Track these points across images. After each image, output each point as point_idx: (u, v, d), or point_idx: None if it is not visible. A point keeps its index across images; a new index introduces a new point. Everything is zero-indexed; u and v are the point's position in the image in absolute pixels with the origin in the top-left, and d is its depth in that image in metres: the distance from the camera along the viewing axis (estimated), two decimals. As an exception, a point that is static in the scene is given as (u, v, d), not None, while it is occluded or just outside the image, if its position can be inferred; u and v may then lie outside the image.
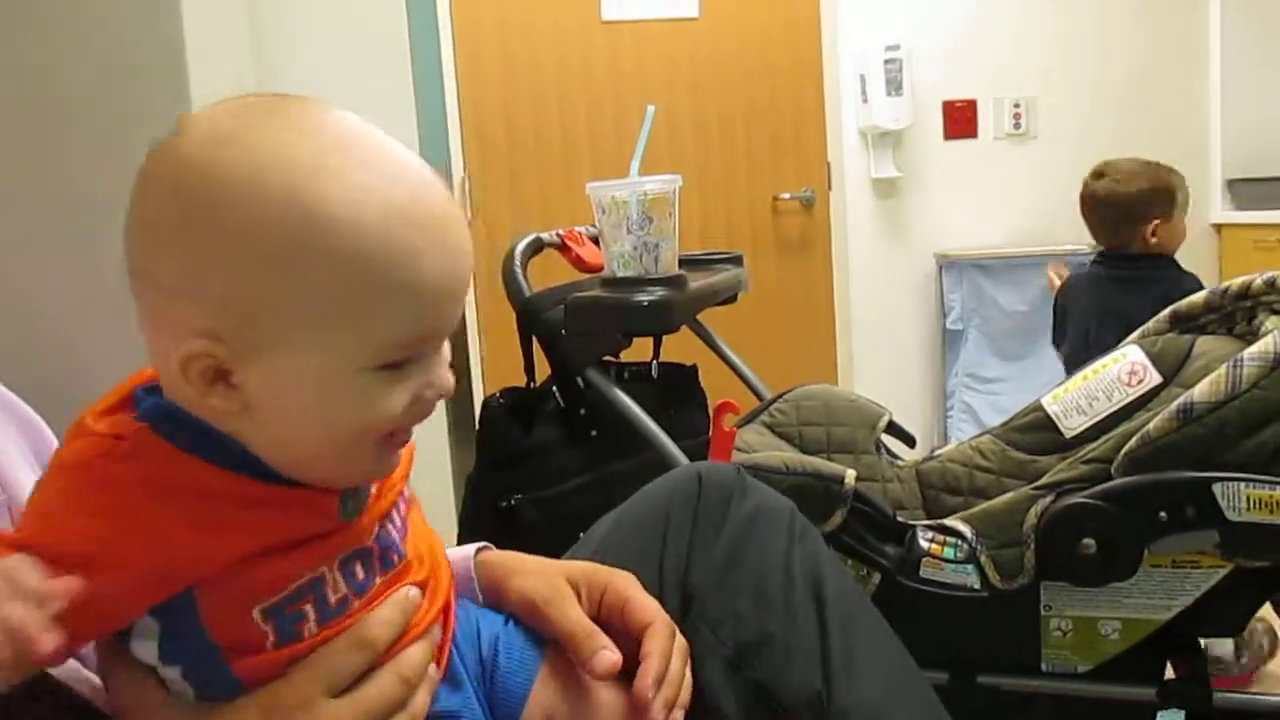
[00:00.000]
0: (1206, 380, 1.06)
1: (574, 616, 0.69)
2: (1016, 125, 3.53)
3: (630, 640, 0.69)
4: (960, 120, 3.52)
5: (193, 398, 0.53)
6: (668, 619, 0.71)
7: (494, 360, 3.22)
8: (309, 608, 0.56)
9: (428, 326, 0.55)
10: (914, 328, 3.57)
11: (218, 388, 0.53)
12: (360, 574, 0.59)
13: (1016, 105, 3.52)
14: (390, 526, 0.62)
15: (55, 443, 0.71)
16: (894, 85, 3.36)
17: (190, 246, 0.52)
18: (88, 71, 1.34)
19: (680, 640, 0.72)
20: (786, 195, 3.45)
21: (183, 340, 0.52)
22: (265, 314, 0.52)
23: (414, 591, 0.61)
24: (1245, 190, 3.50)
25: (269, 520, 0.55)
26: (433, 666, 0.63)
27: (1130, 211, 2.22)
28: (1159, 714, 1.17)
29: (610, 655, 0.67)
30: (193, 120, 0.54)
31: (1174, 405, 1.06)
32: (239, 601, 0.54)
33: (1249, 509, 1.03)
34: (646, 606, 0.71)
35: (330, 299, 0.52)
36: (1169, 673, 1.17)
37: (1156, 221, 2.20)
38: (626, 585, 0.72)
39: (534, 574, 0.73)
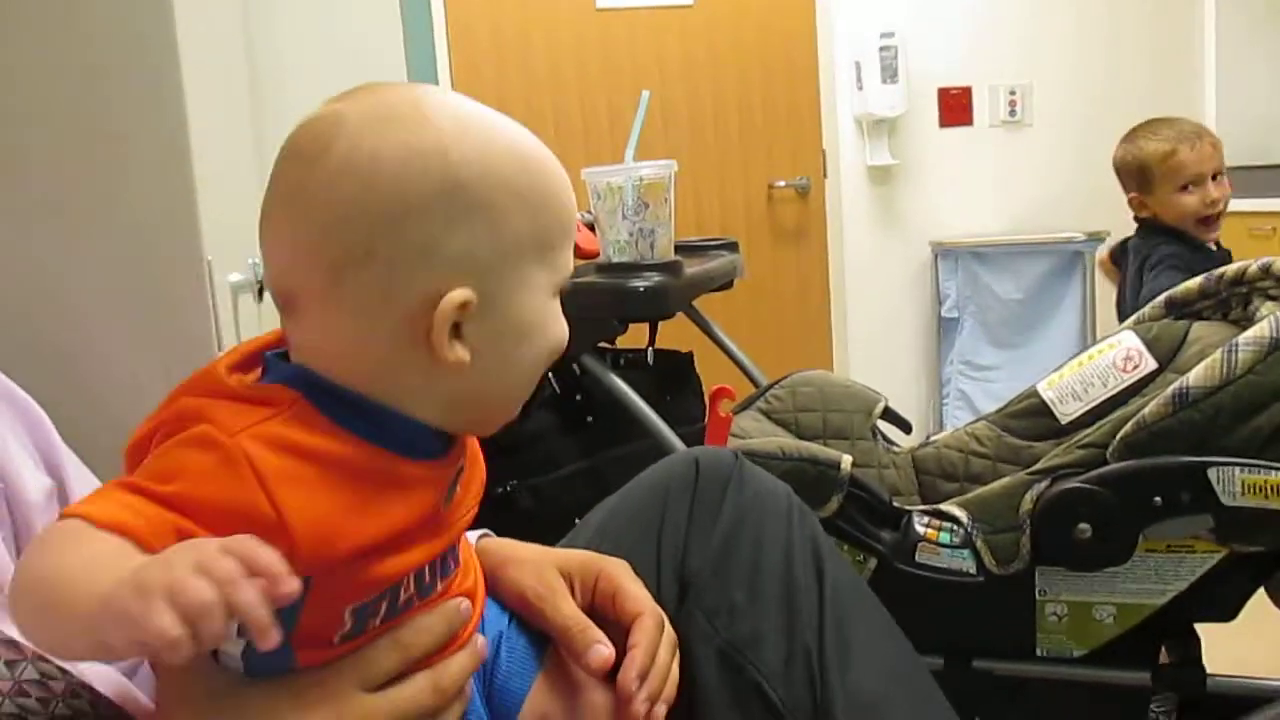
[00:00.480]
0: (1202, 365, 1.06)
1: (567, 611, 0.69)
2: (1012, 113, 3.53)
3: (620, 631, 0.69)
4: (955, 108, 3.51)
5: (425, 361, 0.55)
6: (657, 610, 0.71)
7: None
8: (384, 605, 0.57)
9: (570, 259, 0.62)
10: (909, 315, 3.58)
11: (456, 344, 0.56)
12: (427, 578, 0.60)
13: (1012, 93, 3.51)
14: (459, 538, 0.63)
15: (54, 431, 0.71)
16: (889, 73, 3.35)
17: (429, 215, 0.55)
18: (77, 71, 1.34)
19: (669, 632, 0.71)
20: (782, 183, 3.45)
21: (426, 304, 0.55)
22: (498, 261, 0.57)
23: (465, 604, 0.62)
24: (1240, 178, 3.50)
25: (404, 501, 0.56)
26: (469, 684, 0.63)
27: (1119, 181, 2.22)
28: None
29: (604, 650, 0.67)
30: (362, 98, 0.57)
31: (1169, 390, 1.06)
32: (341, 597, 0.55)
33: (1244, 494, 1.03)
34: (637, 597, 0.71)
35: (541, 237, 0.59)
36: (1163, 657, 1.18)
37: (1133, 194, 2.18)
38: (619, 574, 0.72)
39: (527, 565, 0.72)
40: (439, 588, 0.61)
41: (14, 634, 0.56)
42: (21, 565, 0.50)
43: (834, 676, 0.74)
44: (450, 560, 0.62)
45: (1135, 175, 2.16)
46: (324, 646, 0.56)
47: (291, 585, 0.44)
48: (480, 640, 0.64)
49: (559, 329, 0.61)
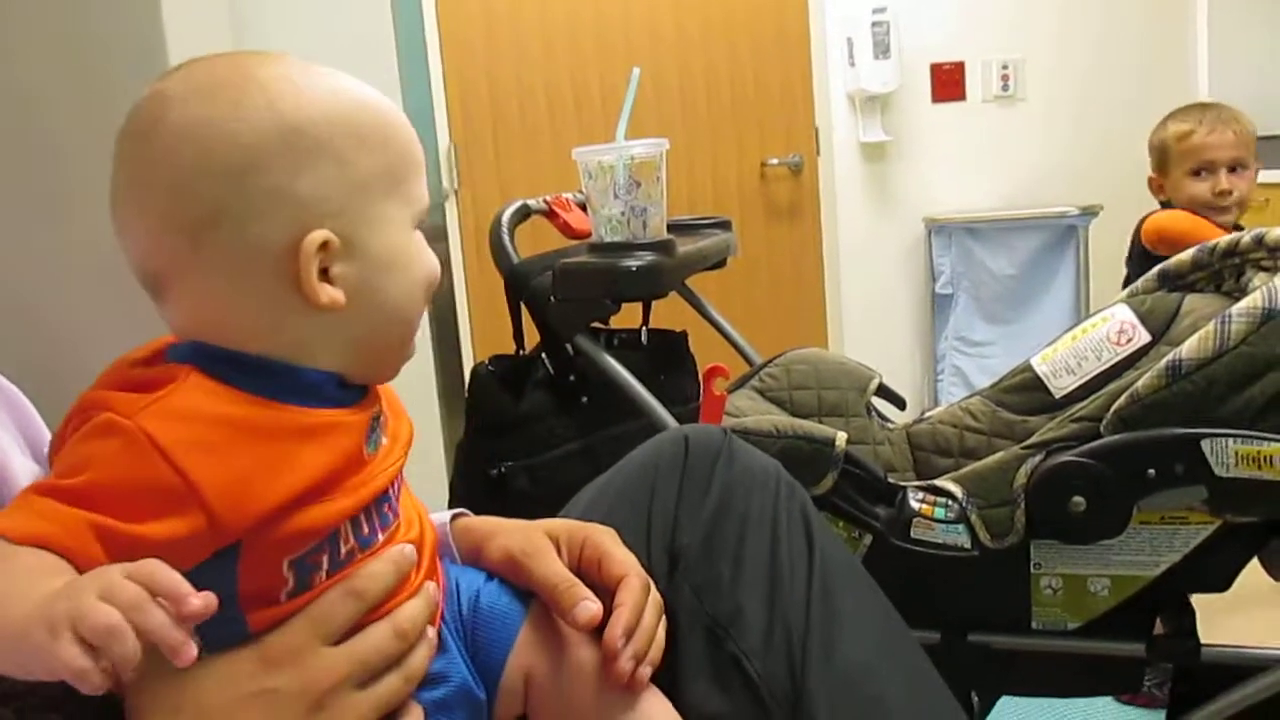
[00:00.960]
0: (1195, 337, 1.06)
1: (555, 568, 0.70)
2: (1005, 87, 3.51)
3: (607, 595, 0.69)
4: (948, 83, 3.50)
5: (299, 306, 0.57)
6: (643, 573, 0.71)
7: (482, 328, 3.21)
8: (324, 558, 0.58)
9: (425, 192, 0.65)
10: (903, 292, 3.58)
11: (326, 286, 0.58)
12: (365, 529, 0.60)
13: (1005, 67, 3.50)
14: (391, 488, 0.63)
15: (42, 424, 0.71)
16: (881, 48, 3.33)
17: (272, 164, 0.56)
18: (71, 69, 1.33)
19: (655, 595, 0.72)
20: (774, 161, 3.44)
21: (288, 251, 0.56)
22: (351, 200, 0.59)
23: (409, 548, 0.62)
24: (1233, 150, 3.50)
25: (320, 450, 0.57)
26: (430, 629, 0.63)
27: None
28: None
29: (591, 606, 0.67)
30: (185, 74, 0.59)
31: (1162, 363, 1.06)
32: (275, 552, 0.56)
33: (1237, 465, 1.03)
34: (623, 560, 0.71)
35: (389, 172, 0.61)
36: (1158, 629, 1.18)
37: (1152, 175, 2.17)
38: (605, 539, 0.73)
39: (514, 531, 0.73)
40: (379, 539, 0.62)
41: None
42: None
43: (818, 651, 0.74)
44: (388, 512, 0.63)
45: (1156, 155, 2.14)
46: (272, 604, 0.57)
47: (193, 605, 0.46)
48: (431, 586, 0.64)
49: (427, 260, 0.64)
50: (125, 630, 0.44)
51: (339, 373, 0.60)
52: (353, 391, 0.62)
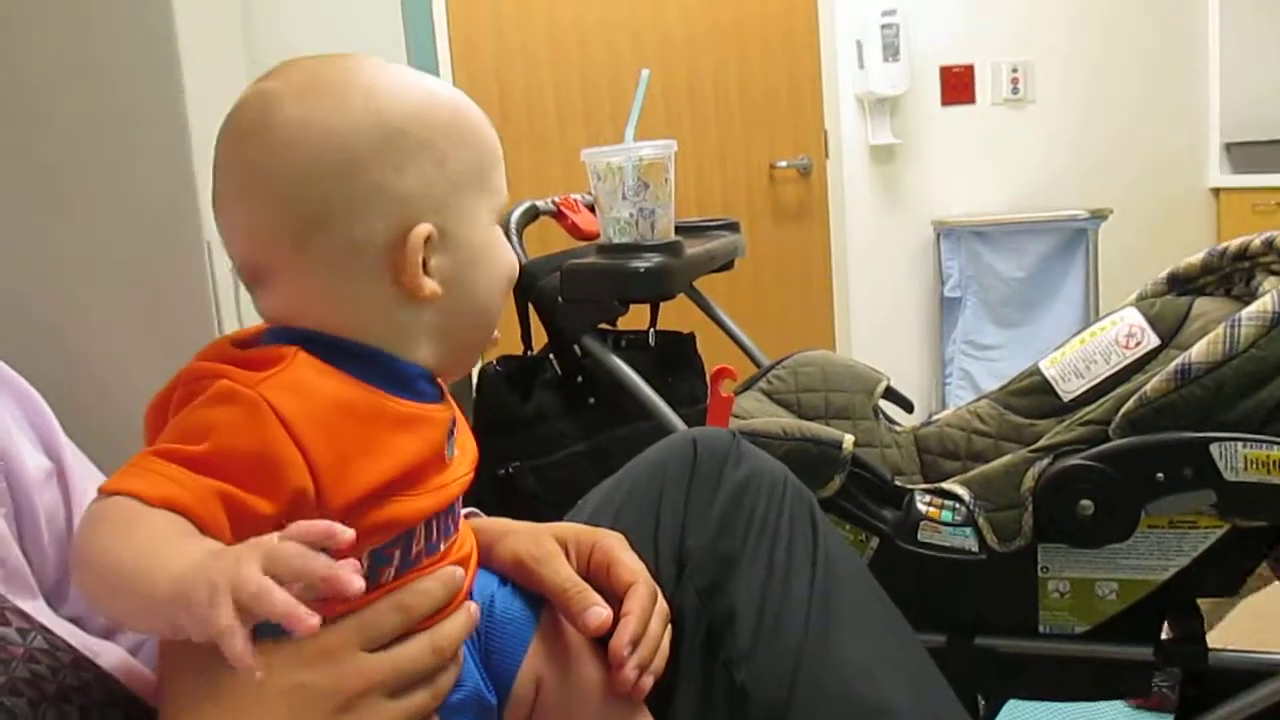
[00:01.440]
0: (1204, 341, 1.05)
1: (564, 573, 0.70)
2: (1014, 90, 3.51)
3: (616, 601, 0.70)
4: (958, 86, 3.50)
5: (402, 296, 0.60)
6: (651, 581, 0.72)
7: (491, 331, 3.22)
8: (397, 553, 0.60)
9: (505, 186, 0.67)
10: (912, 295, 3.57)
11: (426, 279, 0.60)
12: (435, 535, 0.62)
13: (1014, 70, 3.49)
14: (459, 498, 0.66)
15: (50, 413, 0.72)
16: (891, 51, 3.33)
17: (375, 162, 0.59)
18: (80, 65, 1.34)
19: (662, 604, 0.72)
20: (783, 163, 3.44)
21: (393, 245, 0.59)
22: (449, 195, 0.61)
23: (460, 572, 0.64)
24: (1243, 154, 3.49)
25: (413, 439, 0.59)
26: (462, 648, 0.64)
27: None
28: None
29: (601, 611, 0.68)
30: (287, 74, 0.61)
31: (1171, 366, 1.06)
32: (363, 539, 0.56)
33: (1246, 469, 1.03)
34: (632, 566, 0.71)
35: (478, 167, 0.63)
36: (1166, 633, 1.18)
37: None
38: (614, 545, 0.73)
39: (523, 534, 0.74)
40: (443, 548, 0.63)
41: (23, 605, 0.58)
42: (84, 545, 0.52)
43: (816, 654, 0.74)
44: (450, 521, 0.65)
45: None
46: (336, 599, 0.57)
47: (347, 533, 0.48)
48: (472, 606, 0.65)
49: (508, 252, 0.67)
50: (277, 594, 0.46)
51: (430, 367, 0.63)
52: (436, 389, 0.64)
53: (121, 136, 1.38)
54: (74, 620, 0.64)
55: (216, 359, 0.58)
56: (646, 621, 0.69)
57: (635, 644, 0.67)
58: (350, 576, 0.47)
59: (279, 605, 0.45)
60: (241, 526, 0.51)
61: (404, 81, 0.62)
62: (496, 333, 0.68)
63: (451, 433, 0.64)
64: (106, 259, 1.40)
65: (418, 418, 0.60)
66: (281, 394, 0.54)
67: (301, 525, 0.49)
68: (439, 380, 0.66)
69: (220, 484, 0.52)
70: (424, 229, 0.59)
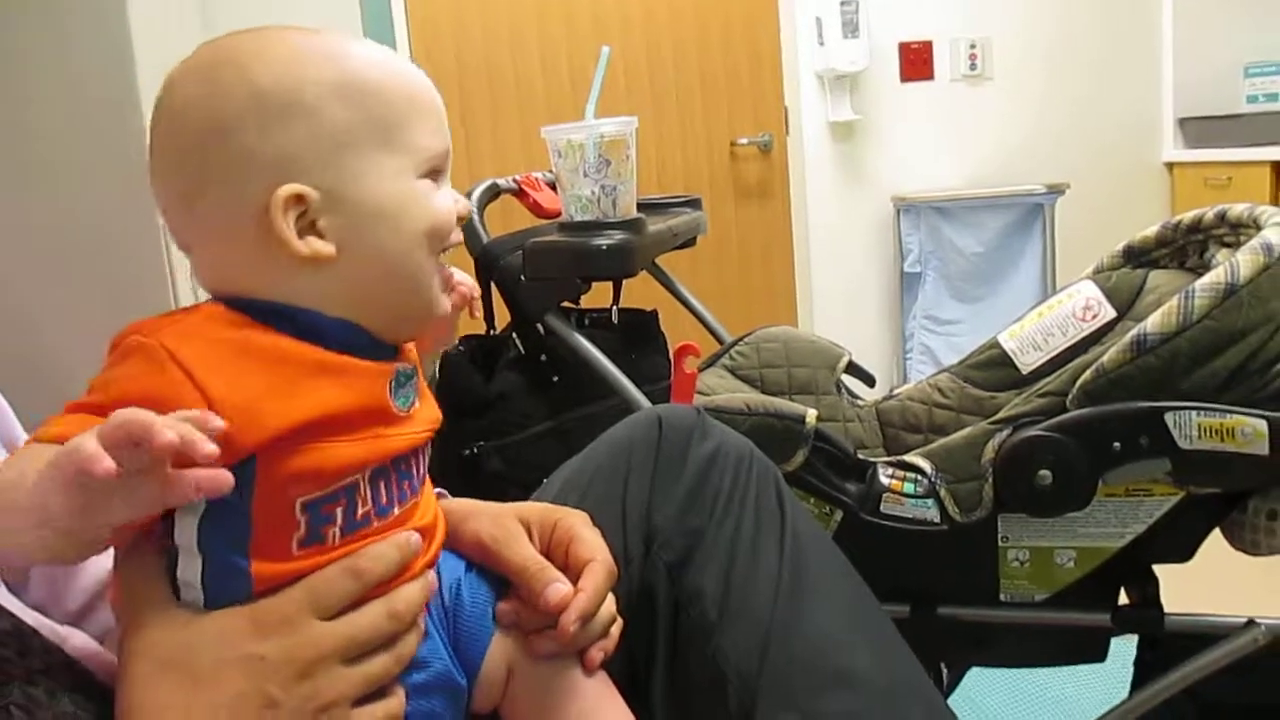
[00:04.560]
0: (1159, 312, 1.07)
1: (525, 553, 0.70)
2: (973, 67, 3.53)
3: (576, 578, 0.70)
4: (917, 62, 3.51)
5: (287, 259, 0.59)
6: (609, 559, 0.72)
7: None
8: (339, 511, 0.59)
9: (442, 141, 0.65)
10: (872, 270, 3.59)
11: (312, 239, 0.60)
12: (384, 496, 0.62)
13: (973, 47, 3.51)
14: (419, 459, 0.65)
15: (8, 409, 0.71)
16: (850, 27, 3.33)
17: (240, 127, 0.59)
18: (37, 77, 1.31)
19: (612, 570, 0.72)
20: (744, 140, 3.44)
21: (265, 209, 0.58)
22: (335, 149, 0.60)
23: (415, 538, 0.63)
24: (1196, 129, 3.54)
25: (337, 386, 0.59)
26: (423, 615, 0.64)
27: None
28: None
29: (562, 588, 0.68)
30: (188, 58, 0.62)
31: (1127, 338, 1.08)
32: (290, 486, 0.57)
33: (1200, 437, 1.05)
34: (591, 545, 0.72)
35: (375, 123, 0.62)
36: (1123, 599, 1.20)
37: None
38: (575, 523, 0.73)
39: (486, 516, 0.73)
40: (395, 512, 0.63)
41: None
42: None
43: (784, 624, 0.75)
44: (407, 489, 0.64)
45: None
46: (281, 555, 0.57)
47: (216, 421, 0.50)
48: (430, 575, 0.65)
49: (431, 208, 0.64)
50: (148, 426, 0.47)
51: (356, 323, 0.62)
52: (384, 348, 0.64)
53: (79, 154, 1.36)
54: (38, 608, 0.63)
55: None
56: (600, 599, 0.69)
57: (583, 620, 0.67)
58: (211, 447, 0.49)
59: (136, 426, 0.47)
60: None
61: (292, 47, 0.61)
62: (447, 300, 0.67)
63: (403, 386, 0.64)
64: (60, 244, 1.38)
65: (343, 366, 0.60)
66: (180, 340, 0.55)
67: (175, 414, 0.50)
68: (398, 342, 0.66)
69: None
70: (286, 190, 0.59)
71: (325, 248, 0.60)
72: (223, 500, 0.55)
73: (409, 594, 0.62)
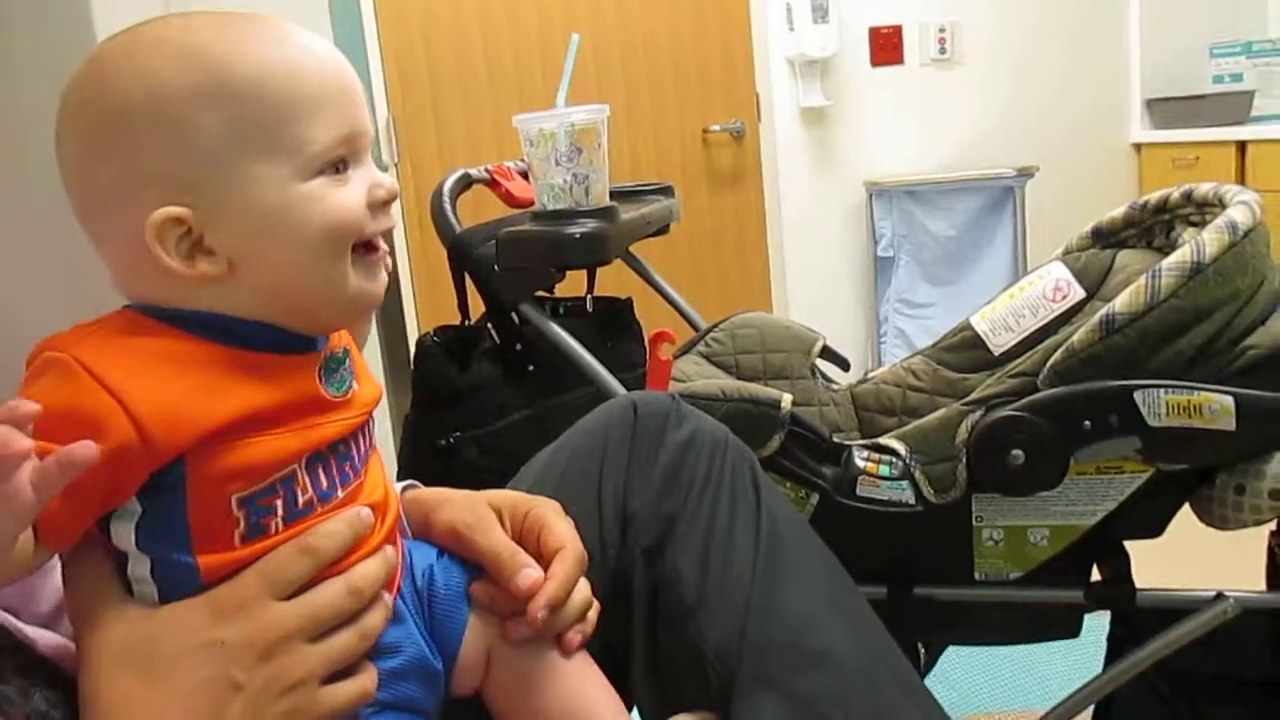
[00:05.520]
0: (1126, 292, 1.08)
1: (497, 539, 0.70)
2: (942, 51, 3.54)
3: (546, 566, 0.70)
4: (887, 47, 3.52)
5: (181, 279, 0.57)
6: (580, 547, 0.72)
7: (426, 300, 3.19)
8: (279, 503, 0.58)
9: (344, 128, 0.60)
10: (846, 255, 3.61)
11: (199, 258, 0.57)
12: (324, 482, 0.61)
13: (942, 31, 3.53)
14: (359, 439, 0.64)
15: None
16: (820, 13, 3.34)
17: (110, 154, 0.56)
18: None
19: (582, 556, 0.73)
20: (716, 127, 3.44)
21: (150, 223, 0.56)
22: (208, 164, 0.57)
23: (365, 511, 0.63)
24: (1164, 109, 3.57)
25: (260, 383, 0.58)
26: (386, 593, 0.64)
27: None
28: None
29: (533, 573, 0.68)
30: (103, 45, 0.58)
31: (1096, 318, 1.09)
32: (222, 484, 0.56)
33: (1169, 414, 1.06)
34: (562, 533, 0.72)
35: (251, 126, 0.57)
36: (1095, 576, 1.22)
37: None
38: (546, 512, 0.73)
39: (459, 503, 0.74)
40: (339, 495, 0.62)
41: None
42: None
43: (762, 606, 0.76)
44: (349, 470, 0.63)
45: None
46: (225, 549, 0.57)
47: (31, 405, 0.49)
48: (389, 550, 0.65)
49: (322, 211, 0.59)
50: None
51: (273, 323, 0.60)
52: (307, 340, 0.63)
53: (31, 110, 1.33)
54: (9, 610, 0.63)
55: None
56: (569, 587, 0.69)
57: (553, 608, 0.68)
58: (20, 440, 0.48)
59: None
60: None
61: (169, 48, 0.57)
62: (376, 285, 0.63)
63: (334, 372, 0.63)
64: (27, 239, 1.36)
65: (265, 364, 0.59)
66: (94, 352, 0.54)
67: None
68: (324, 334, 0.64)
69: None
70: (160, 215, 0.56)
71: (213, 268, 0.58)
72: (157, 504, 0.55)
73: (367, 570, 0.62)
